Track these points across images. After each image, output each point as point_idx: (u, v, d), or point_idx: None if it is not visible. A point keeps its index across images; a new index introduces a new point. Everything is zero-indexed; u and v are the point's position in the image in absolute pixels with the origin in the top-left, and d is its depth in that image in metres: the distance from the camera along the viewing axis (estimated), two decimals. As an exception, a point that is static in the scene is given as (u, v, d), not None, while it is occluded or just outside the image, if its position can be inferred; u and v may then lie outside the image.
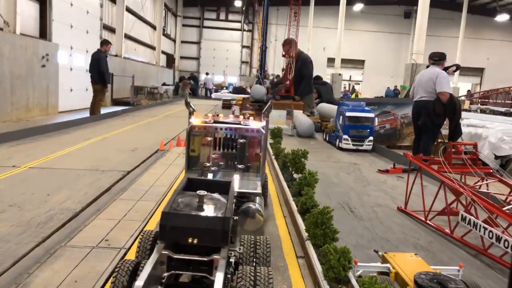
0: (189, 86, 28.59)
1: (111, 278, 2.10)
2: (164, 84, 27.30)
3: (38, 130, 8.42)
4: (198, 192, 2.11)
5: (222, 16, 37.50)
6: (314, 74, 16.73)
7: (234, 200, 2.52)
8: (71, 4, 14.54)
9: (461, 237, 3.72)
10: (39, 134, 8.30)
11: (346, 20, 24.54)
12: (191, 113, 3.65)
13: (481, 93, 30.88)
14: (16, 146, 7.11)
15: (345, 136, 8.75)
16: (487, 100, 26.84)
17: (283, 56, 16.20)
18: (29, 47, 10.93)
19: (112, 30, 19.23)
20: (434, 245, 3.70)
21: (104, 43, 12.81)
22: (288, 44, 15.52)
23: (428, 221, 4.22)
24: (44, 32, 12.41)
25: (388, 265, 2.76)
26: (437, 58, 7.24)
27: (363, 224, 4.14)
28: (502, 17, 34.44)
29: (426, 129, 7.17)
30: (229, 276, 2.04)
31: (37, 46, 11.41)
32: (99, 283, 2.60)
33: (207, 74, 33.67)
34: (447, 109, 6.90)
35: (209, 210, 2.08)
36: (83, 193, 4.58)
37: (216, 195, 2.27)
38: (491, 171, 4.33)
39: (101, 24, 17.75)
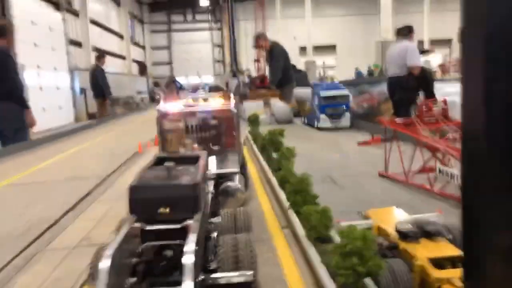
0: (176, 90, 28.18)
1: (89, 268, 2.04)
2: (139, 93, 26.98)
3: (10, 150, 8.13)
4: (165, 164, 2.08)
5: (189, 18, 37.24)
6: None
7: (208, 173, 2.48)
8: (32, 22, 14.18)
9: (440, 189, 3.78)
10: (11, 154, 8.02)
11: (314, 8, 24.69)
12: (157, 100, 3.60)
13: None
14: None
15: (323, 116, 8.80)
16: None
17: (254, 47, 16.25)
18: (-7, 69, 10.60)
19: (78, 44, 18.87)
20: (415, 201, 3.76)
21: (99, 57, 12.61)
22: (259, 38, 15.59)
23: (409, 181, 4.27)
24: (7, 52, 12.06)
25: (370, 221, 2.79)
26: (405, 32, 7.27)
27: (346, 193, 4.18)
28: (464, -13, 35.12)
29: (402, 104, 7.20)
30: (207, 243, 2.01)
31: (1, 67, 11.07)
32: (82, 278, 2.55)
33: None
34: (419, 82, 6.94)
35: (178, 179, 2.05)
36: (62, 202, 4.47)
37: (185, 166, 2.22)
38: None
39: (66, 39, 17.39)
